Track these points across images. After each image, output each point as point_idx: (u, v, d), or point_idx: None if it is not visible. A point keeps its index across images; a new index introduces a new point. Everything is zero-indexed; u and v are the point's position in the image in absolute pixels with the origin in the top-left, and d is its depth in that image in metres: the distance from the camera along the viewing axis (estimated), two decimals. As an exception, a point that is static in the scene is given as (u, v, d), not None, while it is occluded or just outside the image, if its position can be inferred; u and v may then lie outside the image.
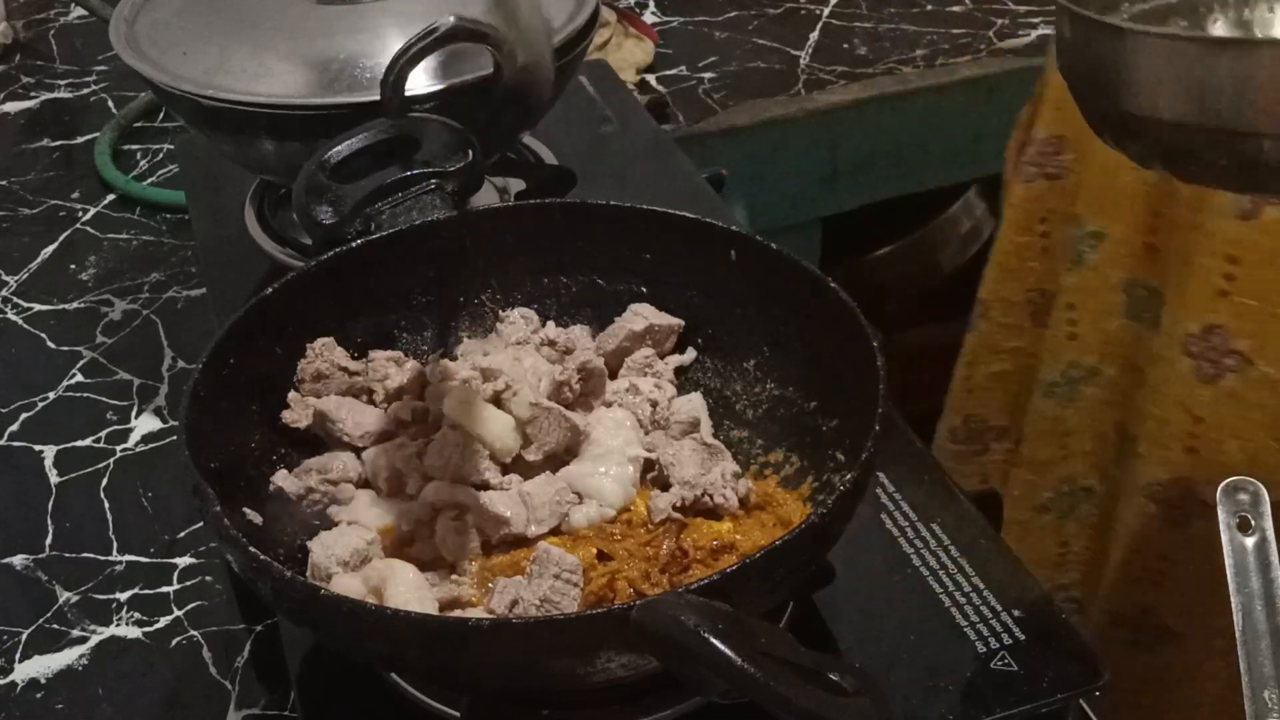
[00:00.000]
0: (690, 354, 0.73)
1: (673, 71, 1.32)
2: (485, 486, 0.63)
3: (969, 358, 1.15)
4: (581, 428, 0.66)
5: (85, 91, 1.33)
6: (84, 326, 0.98)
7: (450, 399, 0.65)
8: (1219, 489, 0.57)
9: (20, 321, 0.99)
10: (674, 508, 0.62)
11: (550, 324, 0.73)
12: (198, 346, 0.90)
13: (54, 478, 0.84)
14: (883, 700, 0.47)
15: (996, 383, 1.15)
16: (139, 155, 1.20)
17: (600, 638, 0.50)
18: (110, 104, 1.29)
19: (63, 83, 1.34)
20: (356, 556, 0.61)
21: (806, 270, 0.67)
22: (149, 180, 1.16)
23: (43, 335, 0.98)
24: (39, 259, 1.07)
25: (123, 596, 0.76)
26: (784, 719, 0.45)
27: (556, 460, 0.66)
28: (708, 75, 1.31)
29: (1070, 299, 1.04)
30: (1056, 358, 1.07)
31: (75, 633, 0.74)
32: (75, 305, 1.01)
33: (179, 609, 0.75)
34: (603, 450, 0.65)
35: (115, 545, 0.79)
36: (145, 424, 0.88)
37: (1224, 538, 0.56)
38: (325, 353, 0.68)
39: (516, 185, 0.95)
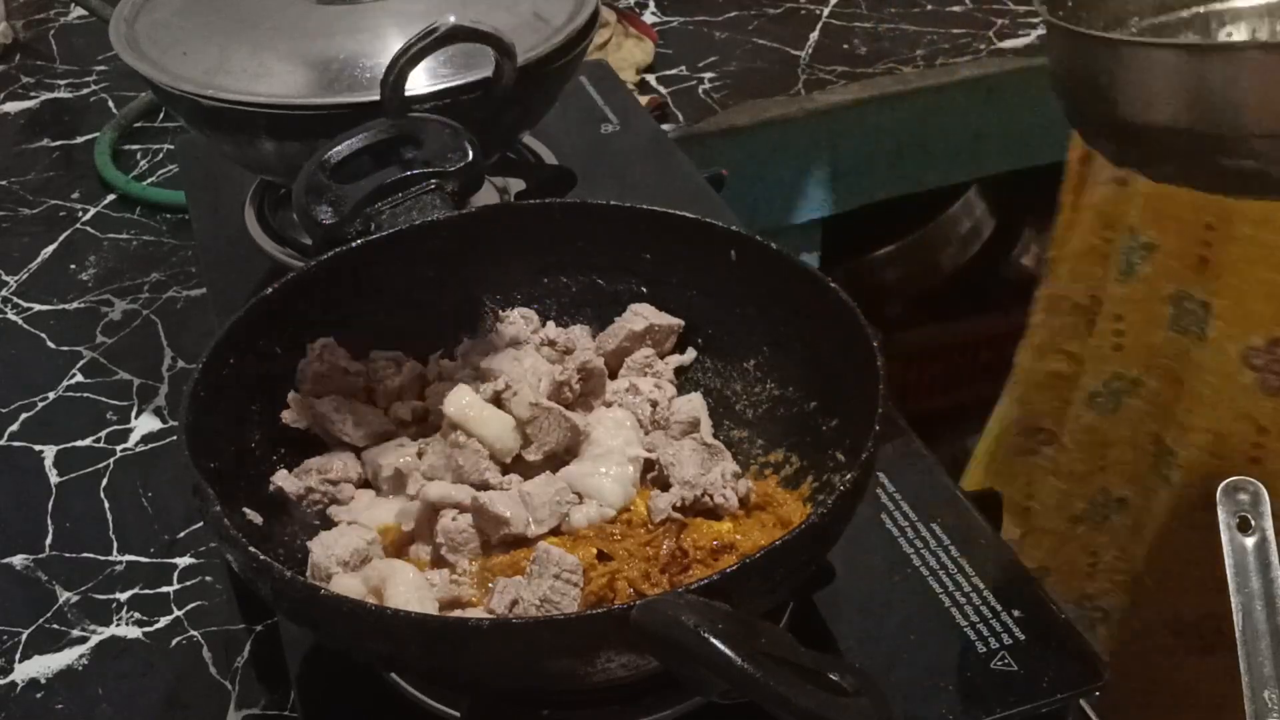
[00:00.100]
0: (690, 354, 0.73)
1: (673, 71, 1.32)
2: (485, 486, 0.63)
3: (1033, 351, 1.14)
4: (581, 428, 0.66)
5: (85, 91, 1.33)
6: (84, 326, 0.98)
7: (450, 399, 0.65)
8: (1219, 489, 0.57)
9: (20, 321, 0.99)
10: (674, 508, 0.62)
11: (550, 324, 0.73)
12: (198, 346, 0.90)
13: (54, 478, 0.84)
14: (883, 700, 0.47)
15: (1052, 382, 1.14)
16: (139, 155, 1.20)
17: (600, 638, 0.50)
18: (110, 104, 1.29)
19: (63, 83, 1.34)
20: (356, 556, 0.61)
21: (806, 270, 0.67)
22: (149, 180, 1.16)
23: (43, 335, 0.98)
24: (39, 259, 1.07)
25: (123, 596, 0.76)
26: (784, 719, 0.45)
27: (556, 460, 0.66)
28: (708, 75, 1.31)
29: (1118, 309, 1.04)
30: (1100, 368, 1.06)
31: (75, 633, 0.74)
32: (75, 305, 1.01)
33: (179, 609, 0.75)
34: (603, 450, 0.65)
35: (115, 545, 0.79)
36: (145, 424, 0.88)
37: (1224, 538, 0.56)
38: (325, 353, 0.68)
39: (516, 185, 0.95)
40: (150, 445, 0.87)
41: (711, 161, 1.20)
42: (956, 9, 1.42)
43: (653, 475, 0.65)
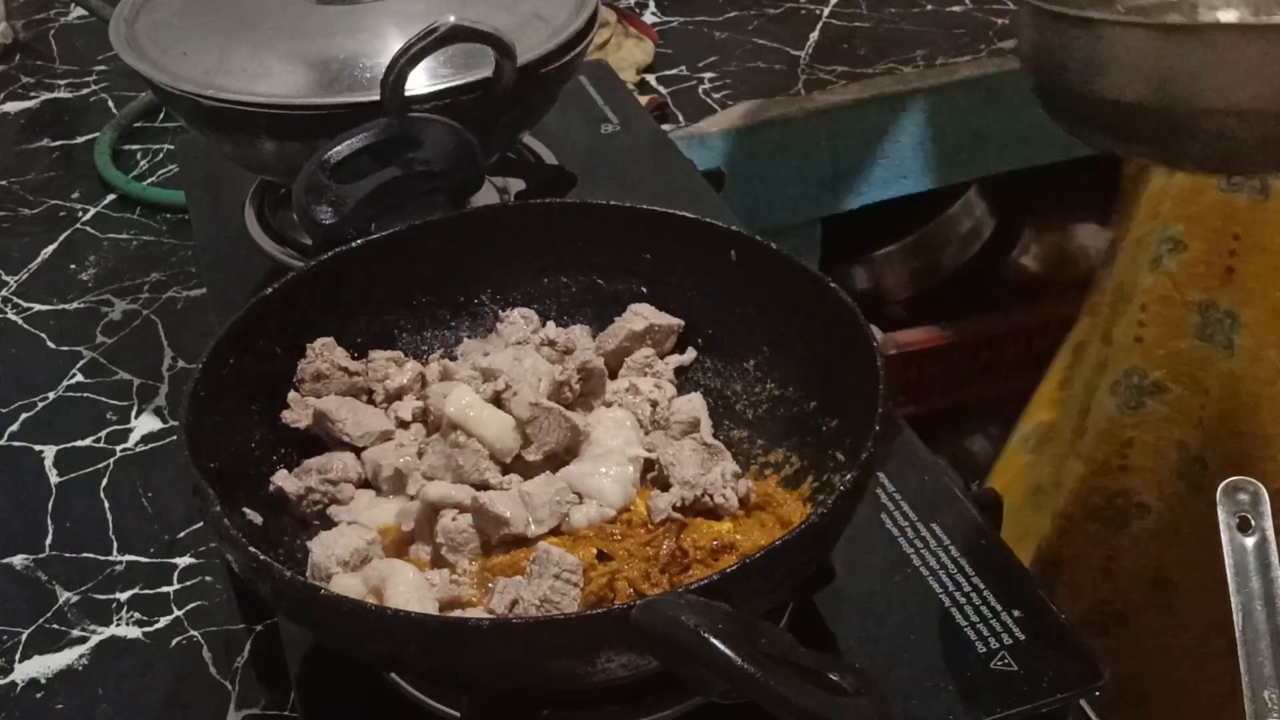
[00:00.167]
0: (690, 354, 0.73)
1: (673, 71, 1.32)
2: (485, 486, 0.63)
3: (1081, 336, 1.14)
4: (581, 428, 0.66)
5: (85, 91, 1.33)
6: (84, 326, 0.98)
7: (450, 399, 0.65)
8: (1219, 489, 0.57)
9: (20, 321, 0.99)
10: (674, 508, 0.62)
11: (550, 324, 0.73)
12: (198, 346, 0.90)
13: (54, 478, 0.84)
14: (883, 700, 0.47)
15: (1086, 370, 1.14)
16: (139, 155, 1.20)
17: (600, 638, 0.50)
18: (110, 104, 1.29)
19: (63, 83, 1.34)
20: (356, 556, 0.61)
21: (806, 270, 0.67)
22: (149, 180, 1.16)
23: (43, 335, 0.98)
24: (39, 259, 1.07)
25: (123, 596, 0.76)
26: (784, 719, 0.45)
27: (556, 460, 0.66)
28: (708, 75, 1.31)
29: (1144, 299, 1.04)
30: (1122, 356, 1.07)
31: (75, 633, 0.74)
32: (75, 305, 1.01)
33: (179, 609, 0.75)
34: (603, 450, 0.65)
35: (115, 545, 0.79)
36: (145, 424, 0.88)
37: (1224, 538, 0.56)
38: (325, 353, 0.68)
39: (516, 185, 0.95)
40: (150, 445, 0.87)
41: (711, 161, 1.20)
42: (956, 9, 1.42)
43: (653, 475, 0.65)
